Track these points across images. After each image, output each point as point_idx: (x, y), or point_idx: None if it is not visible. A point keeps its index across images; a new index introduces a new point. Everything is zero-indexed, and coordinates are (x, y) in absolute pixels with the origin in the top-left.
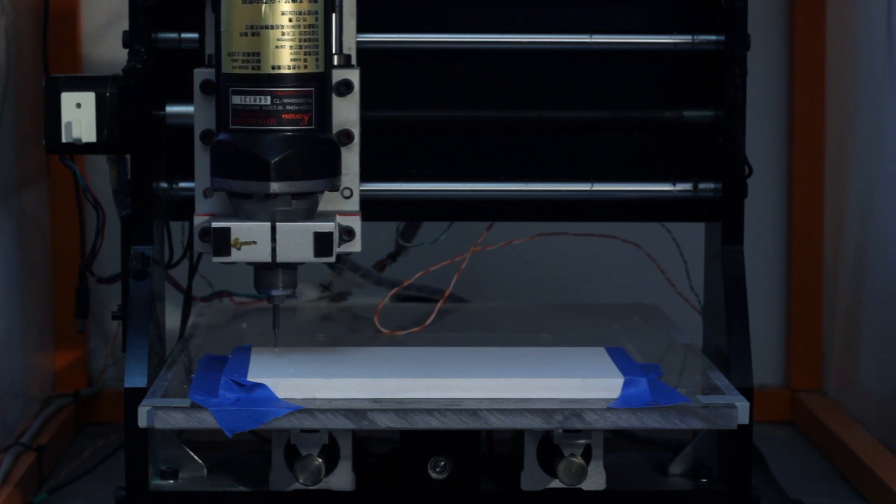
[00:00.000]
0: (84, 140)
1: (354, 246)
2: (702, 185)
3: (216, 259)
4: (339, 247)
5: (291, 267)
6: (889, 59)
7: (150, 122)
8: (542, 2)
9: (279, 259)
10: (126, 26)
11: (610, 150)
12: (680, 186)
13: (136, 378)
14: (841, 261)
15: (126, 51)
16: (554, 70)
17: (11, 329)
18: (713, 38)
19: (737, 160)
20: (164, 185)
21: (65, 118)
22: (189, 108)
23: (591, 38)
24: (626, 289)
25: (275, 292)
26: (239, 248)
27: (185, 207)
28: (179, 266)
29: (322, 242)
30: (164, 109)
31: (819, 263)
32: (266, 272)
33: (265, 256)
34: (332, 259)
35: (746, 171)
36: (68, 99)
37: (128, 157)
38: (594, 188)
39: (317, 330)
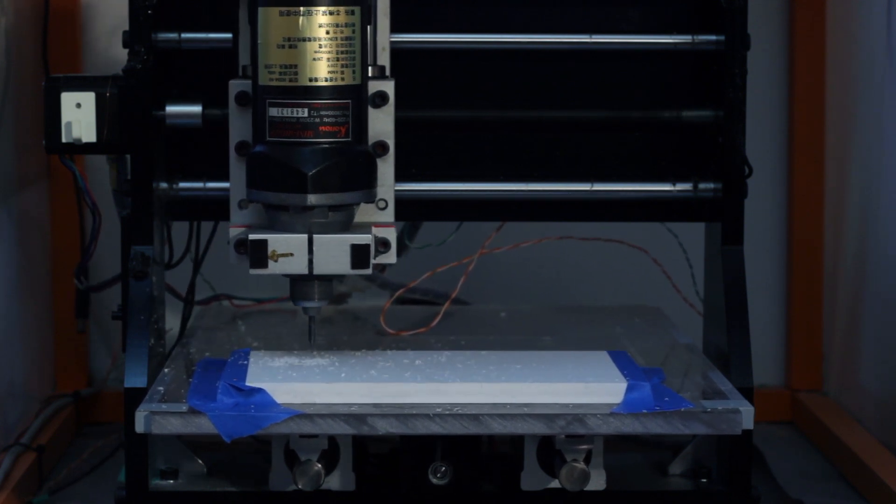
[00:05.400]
0: (84, 140)
1: (390, 258)
2: (702, 185)
3: (253, 271)
4: (374, 258)
5: (328, 279)
6: (889, 59)
7: (150, 122)
8: (542, 2)
9: (316, 271)
10: (126, 26)
11: (610, 150)
12: (680, 186)
13: (135, 378)
14: (841, 261)
15: (126, 51)
16: (554, 70)
17: (11, 329)
18: (713, 38)
19: (737, 160)
20: (164, 185)
21: (65, 118)
22: (189, 108)
23: (591, 38)
24: (629, 290)
25: (311, 304)
26: (276, 260)
27: (185, 207)
28: (179, 269)
29: (359, 254)
30: (164, 109)
31: (819, 263)
32: (302, 284)
33: (302, 269)
34: (369, 271)
35: (746, 171)
36: (68, 99)
37: (128, 157)
38: (594, 188)
39: (317, 333)
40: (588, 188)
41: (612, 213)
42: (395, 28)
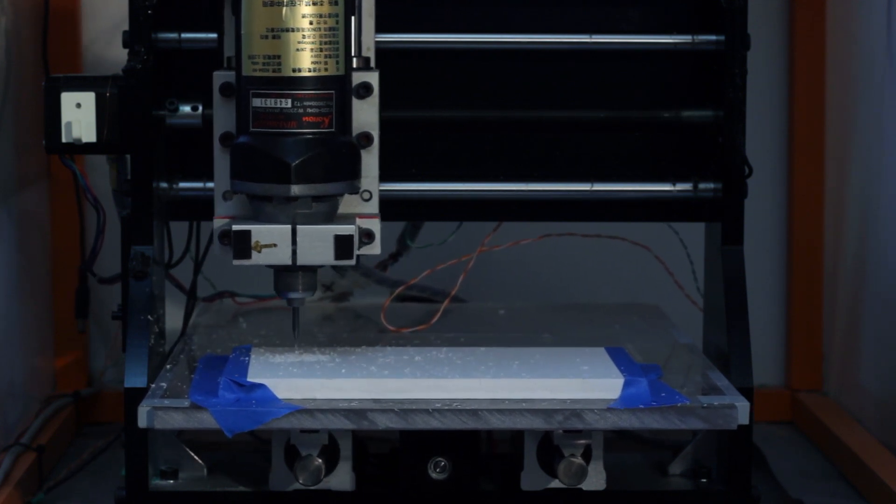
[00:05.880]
0: (84, 140)
1: (374, 248)
2: (702, 185)
3: (237, 262)
4: (358, 249)
5: (311, 270)
6: (889, 59)
7: (150, 122)
8: (542, 2)
9: (299, 262)
10: (126, 26)
11: (610, 150)
12: (680, 186)
13: (136, 378)
14: (841, 261)
15: (126, 51)
16: (554, 70)
17: (11, 329)
18: (713, 38)
19: (737, 160)
20: (164, 185)
21: (65, 118)
22: (189, 108)
23: (591, 38)
24: (627, 287)
25: (294, 295)
26: (259, 251)
27: (185, 207)
28: (182, 266)
29: (342, 245)
30: (164, 109)
31: (819, 263)
32: (286, 275)
33: (285, 259)
34: (353, 262)
35: (746, 171)
36: (68, 99)
37: (128, 157)
38: (594, 188)
39: (318, 330)
40: (588, 188)
41: (612, 213)
42: (395, 28)
